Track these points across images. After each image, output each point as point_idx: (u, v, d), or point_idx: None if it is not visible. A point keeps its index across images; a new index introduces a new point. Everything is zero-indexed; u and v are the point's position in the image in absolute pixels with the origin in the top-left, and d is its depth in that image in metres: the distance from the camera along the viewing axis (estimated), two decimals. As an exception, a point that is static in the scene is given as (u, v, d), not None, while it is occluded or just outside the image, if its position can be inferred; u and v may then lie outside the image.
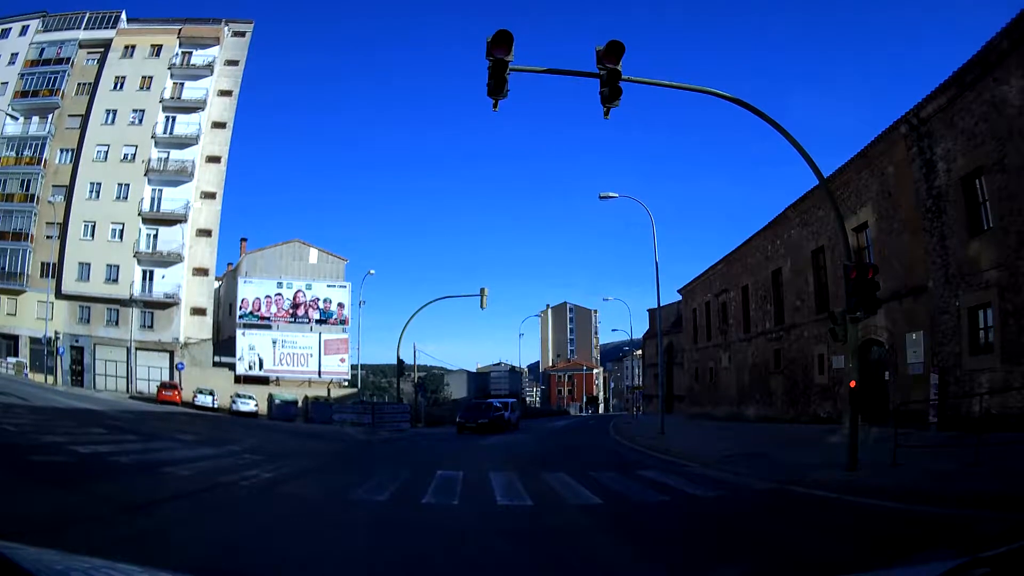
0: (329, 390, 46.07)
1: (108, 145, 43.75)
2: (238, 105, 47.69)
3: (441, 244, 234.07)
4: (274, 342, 47.20)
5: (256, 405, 38.49)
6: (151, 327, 43.27)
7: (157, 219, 43.83)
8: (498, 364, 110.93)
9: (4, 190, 42.46)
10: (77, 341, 41.70)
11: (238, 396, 38.62)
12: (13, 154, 43.21)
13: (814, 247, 23.44)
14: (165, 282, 43.42)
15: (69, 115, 43.99)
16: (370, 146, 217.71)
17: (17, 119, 43.66)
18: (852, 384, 10.21)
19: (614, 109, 9.79)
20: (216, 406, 38.07)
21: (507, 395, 56.38)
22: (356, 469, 12.66)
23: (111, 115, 44.25)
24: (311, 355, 47.85)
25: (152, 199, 43.98)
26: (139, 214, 43.44)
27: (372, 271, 78.94)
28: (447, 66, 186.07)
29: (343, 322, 49.57)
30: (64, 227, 42.04)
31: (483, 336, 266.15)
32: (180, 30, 46.86)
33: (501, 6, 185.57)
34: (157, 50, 45.92)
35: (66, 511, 6.33)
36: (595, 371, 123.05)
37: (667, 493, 9.08)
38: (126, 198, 43.44)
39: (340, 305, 49.62)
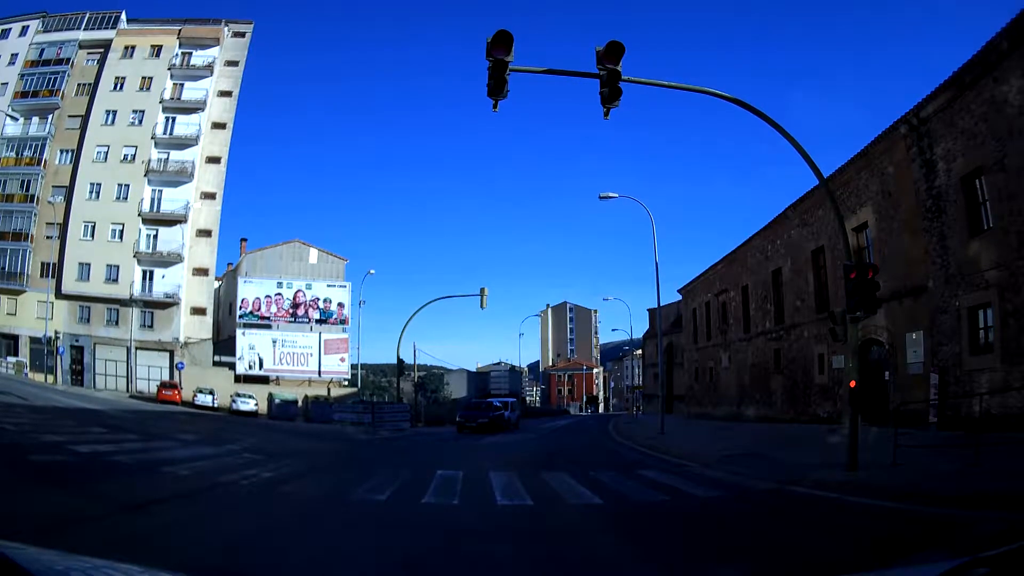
0: (329, 390, 46.09)
1: (108, 145, 43.75)
2: (238, 105, 47.81)
3: (441, 244, 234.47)
4: (274, 342, 47.22)
5: (256, 404, 38.52)
6: (151, 327, 43.29)
7: (157, 219, 43.84)
8: (498, 364, 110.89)
9: (4, 190, 42.46)
10: (77, 341, 41.71)
11: (238, 395, 38.64)
12: (13, 154, 43.22)
13: (814, 247, 23.44)
14: (165, 282, 43.43)
15: (69, 115, 43.99)
16: (370, 146, 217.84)
17: (17, 119, 43.65)
18: (852, 384, 10.20)
19: (614, 109, 9.79)
20: (216, 405, 38.09)
21: (507, 395, 56.34)
22: (356, 469, 12.66)
23: (111, 115, 44.25)
24: (311, 355, 47.86)
25: (152, 199, 43.99)
26: (139, 214, 43.45)
27: (372, 271, 79.05)
28: (447, 66, 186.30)
29: (343, 322, 49.59)
30: (64, 227, 42.05)
31: (483, 336, 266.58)
32: (180, 31, 46.86)
33: (501, 6, 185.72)
34: (157, 51, 45.92)
35: (66, 511, 6.32)
36: (595, 371, 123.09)
37: (667, 493, 9.08)
38: (126, 198, 43.45)
39: (340, 305, 49.64)
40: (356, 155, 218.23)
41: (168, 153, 44.70)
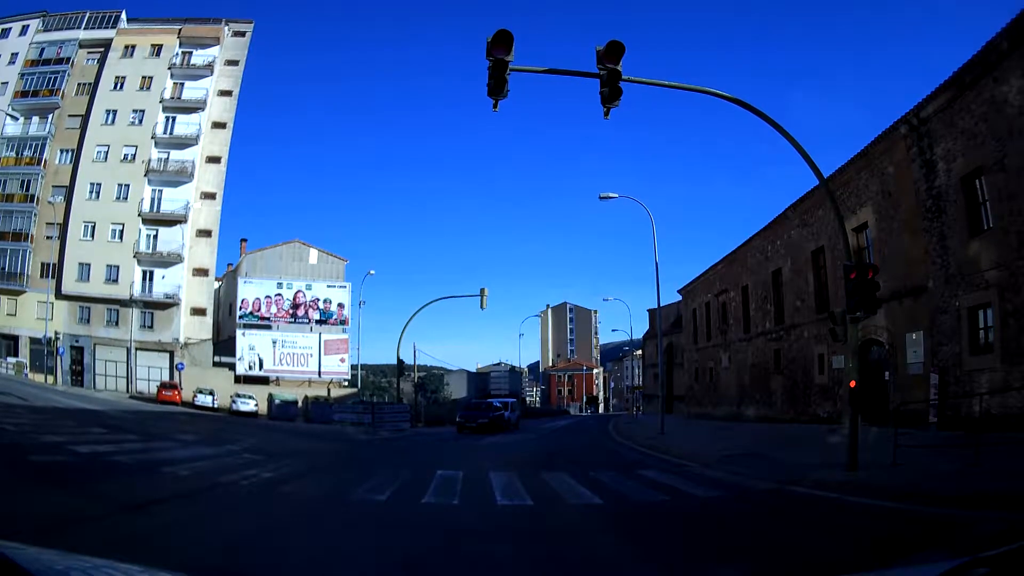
0: (329, 390, 46.08)
1: (108, 145, 43.75)
2: (238, 105, 47.83)
3: (441, 244, 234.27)
4: (274, 342, 47.22)
5: (256, 405, 38.52)
6: (151, 327, 43.28)
7: (157, 219, 43.84)
8: (498, 364, 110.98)
9: (4, 190, 42.47)
10: (77, 341, 41.71)
11: (238, 396, 38.64)
12: (13, 154, 43.22)
13: (814, 247, 23.44)
14: (165, 282, 43.43)
15: (69, 115, 43.99)
16: (370, 146, 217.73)
17: (17, 119, 43.66)
18: (852, 384, 10.21)
19: (614, 109, 9.79)
20: (216, 406, 38.09)
21: (507, 395, 56.36)
22: (356, 469, 12.66)
23: (111, 115, 44.25)
24: (311, 355, 47.86)
25: (152, 199, 43.99)
26: (139, 214, 43.45)
27: (372, 271, 78.94)
28: (447, 66, 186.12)
29: (343, 322, 49.59)
30: (64, 227, 42.05)
31: (483, 336, 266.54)
32: (180, 30, 46.87)
33: (501, 6, 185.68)
34: (157, 50, 45.92)
35: (66, 511, 6.32)
36: (595, 371, 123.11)
37: (667, 493, 9.08)
38: (126, 198, 43.45)
39: (340, 305, 49.64)
40: (356, 155, 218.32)
41: (168, 153, 44.71)
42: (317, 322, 48.69)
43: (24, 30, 44.98)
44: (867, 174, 19.27)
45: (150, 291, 43.21)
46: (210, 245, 45.86)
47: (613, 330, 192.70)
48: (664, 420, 23.37)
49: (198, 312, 45.42)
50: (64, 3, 59.56)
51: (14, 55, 44.22)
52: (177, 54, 46.28)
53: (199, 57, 46.70)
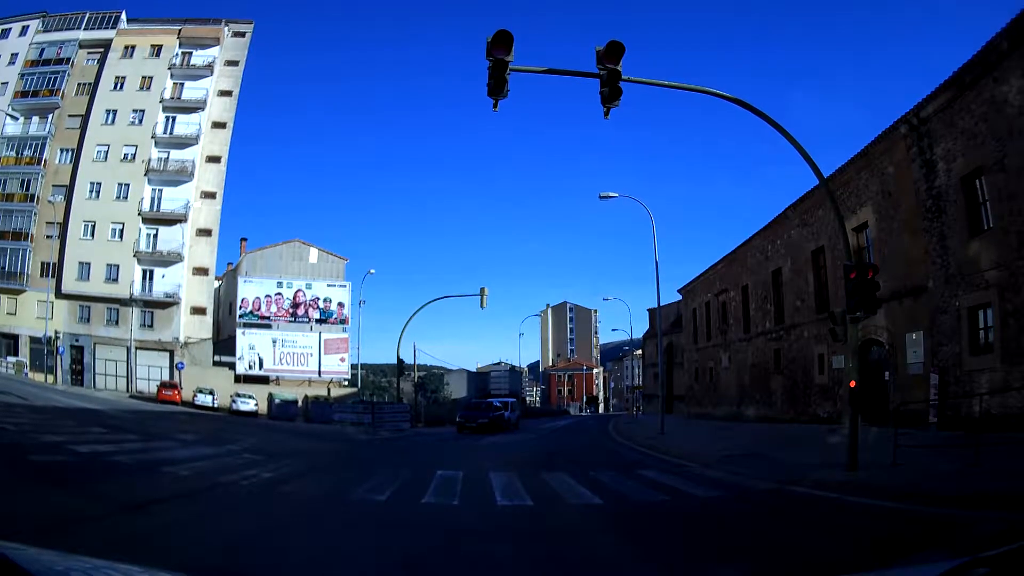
0: (329, 390, 46.09)
1: (108, 145, 43.75)
2: (238, 105, 47.78)
3: (441, 244, 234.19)
4: (274, 342, 47.22)
5: (256, 404, 38.52)
6: (151, 327, 43.28)
7: (157, 219, 43.83)
8: (498, 364, 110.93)
9: (4, 190, 42.46)
10: (77, 341, 41.71)
11: (238, 395, 38.64)
12: (13, 154, 43.21)
13: (814, 247, 23.45)
14: (165, 282, 43.43)
15: (69, 115, 43.98)
16: (370, 146, 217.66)
17: (17, 119, 43.66)
18: (852, 384, 10.21)
19: (614, 109, 9.79)
20: (216, 405, 38.09)
21: (507, 395, 56.35)
22: (356, 469, 12.66)
23: (111, 115, 44.25)
24: (311, 355, 47.86)
25: (152, 199, 43.99)
26: (139, 214, 43.44)
27: (372, 271, 79.05)
28: (447, 66, 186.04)
29: (343, 322, 49.59)
30: (64, 227, 42.04)
31: (483, 336, 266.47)
32: (180, 30, 46.86)
33: (501, 6, 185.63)
34: (157, 50, 45.91)
35: (66, 511, 6.33)
36: (595, 371, 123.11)
37: (667, 493, 9.09)
38: (126, 198, 43.45)
39: (340, 305, 49.64)
40: (356, 155, 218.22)
41: (168, 152, 44.70)
42: (317, 321, 48.69)
43: (24, 30, 44.97)
44: (867, 174, 19.27)
45: (150, 290, 43.20)
46: (210, 244, 45.86)
47: (613, 330, 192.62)
48: (664, 420, 23.37)
49: (198, 311, 45.42)
50: (64, 3, 59.70)
51: (14, 55, 44.21)
52: (177, 54, 46.27)
53: (199, 57, 46.69)
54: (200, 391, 38.12)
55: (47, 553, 1.89)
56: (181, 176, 44.39)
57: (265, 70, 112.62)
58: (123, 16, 46.48)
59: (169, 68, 45.72)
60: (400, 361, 39.48)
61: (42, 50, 44.76)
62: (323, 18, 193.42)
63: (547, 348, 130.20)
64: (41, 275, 40.81)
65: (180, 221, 44.11)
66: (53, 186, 42.68)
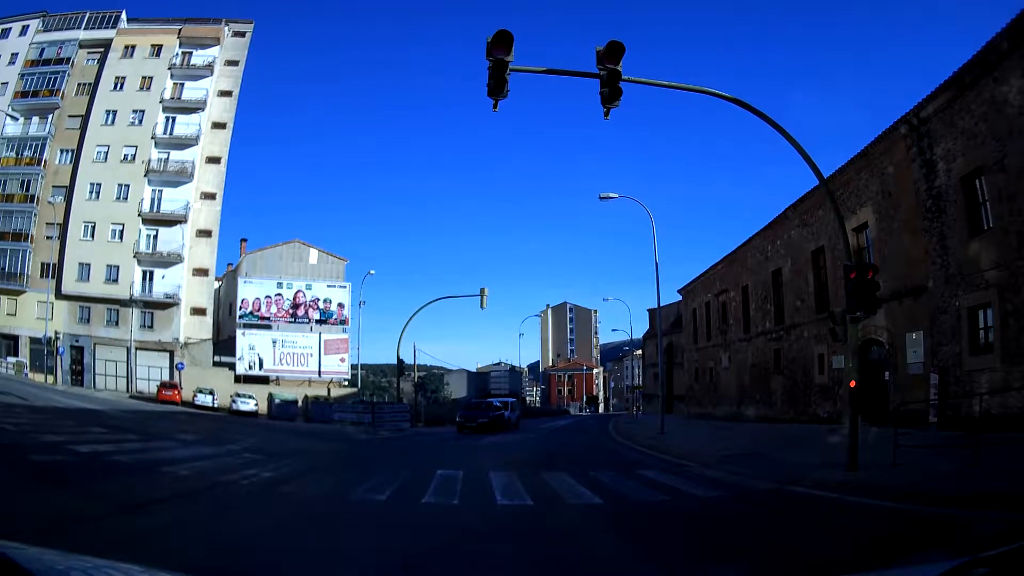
0: (329, 390, 46.10)
1: (108, 145, 43.76)
2: (238, 105, 47.83)
3: (441, 244, 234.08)
4: (274, 342, 47.23)
5: (256, 405, 38.53)
6: (151, 327, 43.29)
7: (157, 219, 43.84)
8: (498, 364, 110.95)
9: (4, 190, 42.46)
10: (77, 341, 41.71)
11: (238, 396, 38.65)
12: (13, 154, 43.22)
13: (814, 247, 23.45)
14: (165, 282, 43.44)
15: (69, 115, 44.00)
16: (370, 146, 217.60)
17: (17, 119, 43.66)
18: (852, 384, 10.21)
19: (614, 109, 9.79)
20: (216, 406, 38.10)
21: (507, 395, 56.33)
22: (356, 468, 12.66)
23: (111, 115, 44.26)
24: (311, 355, 47.87)
25: (152, 199, 44.00)
26: (139, 214, 43.45)
27: (372, 271, 78.99)
28: (447, 66, 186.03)
29: (343, 322, 49.60)
30: (64, 227, 42.05)
31: (483, 336, 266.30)
32: (180, 30, 46.87)
33: (501, 6, 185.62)
34: (157, 50, 45.93)
35: (66, 511, 6.32)
36: (595, 371, 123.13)
37: (667, 493, 9.08)
38: (126, 198, 43.46)
39: (340, 305, 49.66)
40: (356, 155, 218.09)
41: (168, 153, 44.71)
42: (317, 322, 48.70)
43: (24, 30, 44.98)
44: (867, 174, 19.27)
45: (150, 291, 43.21)
46: (210, 245, 45.87)
47: (613, 330, 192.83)
48: (664, 420, 23.37)
49: (198, 312, 45.42)
50: (64, 3, 59.67)
51: (14, 55, 44.23)
52: (177, 54, 46.28)
53: (199, 57, 46.70)
54: (200, 391, 38.13)
55: (47, 553, 1.89)
56: (181, 177, 44.39)
57: (265, 70, 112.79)
58: (123, 16, 46.50)
59: (169, 68, 45.73)
60: (400, 361, 39.49)
61: (42, 50, 44.77)
62: (323, 18, 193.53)
63: (547, 348, 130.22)
64: (41, 276, 40.82)
65: (180, 222, 44.12)
66: (53, 187, 42.69)
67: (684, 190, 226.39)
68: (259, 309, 47.72)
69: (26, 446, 11.21)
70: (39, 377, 37.83)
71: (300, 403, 40.84)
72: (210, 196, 45.85)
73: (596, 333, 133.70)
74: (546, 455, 16.50)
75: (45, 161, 42.94)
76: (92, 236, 42.80)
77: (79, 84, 44.67)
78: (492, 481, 10.08)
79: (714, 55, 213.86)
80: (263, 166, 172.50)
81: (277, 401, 39.84)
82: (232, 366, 45.92)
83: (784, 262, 26.19)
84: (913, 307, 16.97)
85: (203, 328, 45.91)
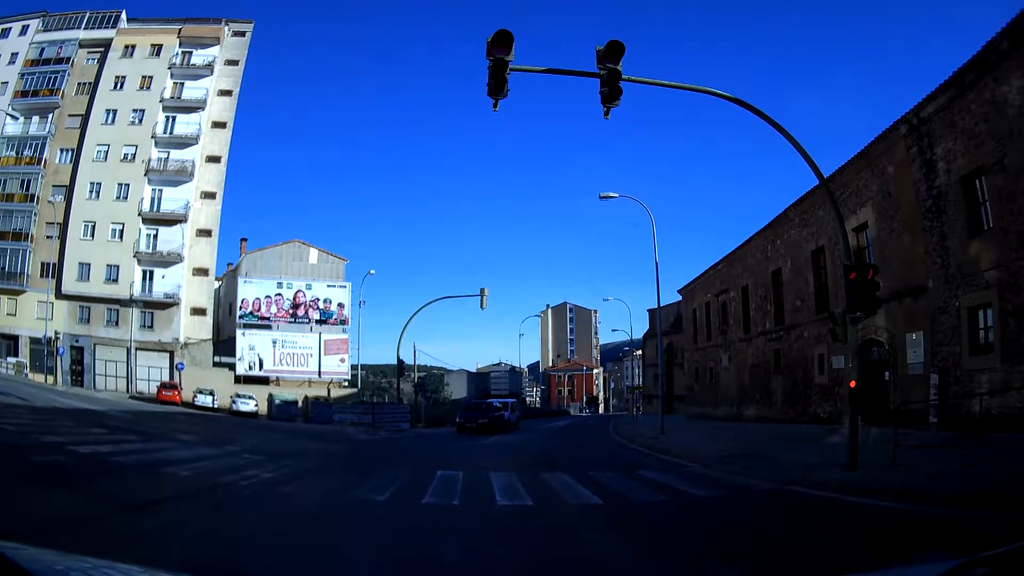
0: (329, 390, 46.09)
1: (108, 145, 43.75)
2: (238, 105, 47.79)
3: (441, 244, 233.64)
4: (274, 342, 47.22)
5: (256, 405, 38.50)
6: (151, 327, 43.28)
7: (157, 219, 43.83)
8: (498, 364, 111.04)
9: (4, 190, 42.44)
10: (77, 341, 41.70)
11: (238, 396, 38.62)
12: (13, 154, 43.20)
13: (814, 247, 23.45)
14: (165, 282, 43.43)
15: (69, 115, 43.98)
16: (370, 146, 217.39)
17: (17, 119, 43.66)
18: (852, 384, 10.21)
19: (614, 109, 9.80)
20: (216, 406, 38.08)
21: (507, 395, 56.38)
22: (356, 469, 12.67)
23: (111, 115, 44.25)
24: (311, 355, 47.86)
25: (152, 199, 43.99)
26: (139, 214, 43.44)
27: (372, 271, 79.06)
28: (447, 66, 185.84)
29: (343, 322, 49.60)
30: (64, 227, 42.04)
31: (483, 336, 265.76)
32: (180, 30, 46.88)
33: (501, 6, 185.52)
34: (157, 50, 45.93)
35: (66, 511, 6.33)
36: (595, 371, 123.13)
37: (667, 493, 9.09)
38: (126, 198, 43.45)
39: (340, 305, 49.65)
40: (356, 155, 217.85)
41: (168, 152, 44.70)
42: (317, 322, 48.70)
43: (24, 30, 44.97)
44: (867, 174, 19.27)
45: (150, 291, 43.20)
46: (210, 245, 45.86)
47: (613, 330, 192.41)
48: (664, 420, 23.37)
49: (198, 312, 45.42)
50: (64, 3, 59.53)
51: (14, 55, 44.21)
52: (177, 54, 46.28)
53: (199, 57, 46.70)
54: (200, 392, 38.10)
55: (47, 553, 1.89)
56: (181, 176, 44.39)
57: (265, 70, 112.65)
58: (123, 15, 46.49)
59: (169, 68, 45.73)
60: (400, 362, 39.49)
61: (42, 50, 44.77)
62: (323, 17, 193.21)
63: (547, 348, 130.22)
64: (41, 275, 40.80)
65: (180, 221, 44.11)
66: (53, 186, 42.68)
67: (684, 190, 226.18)
68: (259, 309, 47.72)
69: (26, 447, 11.21)
70: (39, 377, 37.81)
71: (300, 404, 40.83)
72: (210, 196, 45.84)
73: (596, 333, 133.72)
74: (546, 455, 16.50)
75: (45, 161, 42.93)
76: (92, 236, 42.79)
77: (79, 84, 44.66)
78: (492, 481, 10.08)
79: (714, 55, 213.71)
80: (263, 166, 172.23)
81: (277, 402, 39.83)
82: (232, 366, 45.91)
83: (784, 262, 26.20)
84: (913, 307, 16.97)
85: (203, 328, 45.91)
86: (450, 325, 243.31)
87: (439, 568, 5.14)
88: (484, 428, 27.98)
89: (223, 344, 47.87)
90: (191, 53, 46.67)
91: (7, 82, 43.58)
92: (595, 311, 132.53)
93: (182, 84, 45.99)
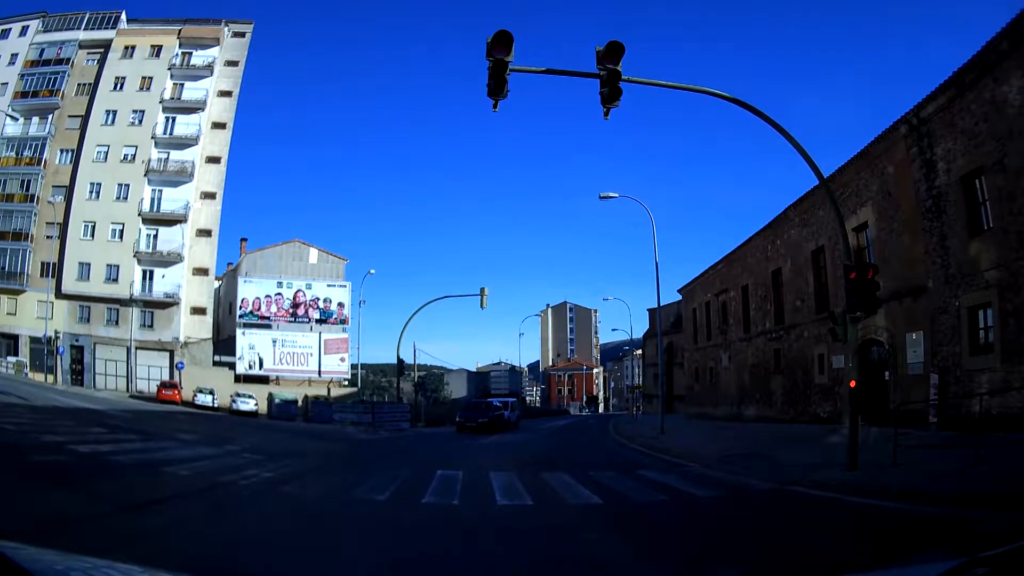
0: (329, 389, 46.11)
1: (108, 145, 43.75)
2: (238, 105, 47.77)
3: (441, 244, 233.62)
4: (274, 342, 47.23)
5: (256, 404, 38.52)
6: (151, 327, 43.29)
7: (157, 219, 43.84)
8: (498, 364, 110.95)
9: (4, 190, 42.43)
10: (77, 341, 41.71)
11: (238, 395, 38.64)
12: (13, 154, 43.20)
13: (814, 247, 23.45)
14: (165, 282, 43.43)
15: (69, 115, 43.98)
16: (370, 146, 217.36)
17: (17, 119, 43.65)
18: (852, 384, 10.21)
19: (614, 109, 9.80)
20: (216, 405, 38.09)
21: (507, 395, 56.36)
22: (356, 469, 12.67)
23: (111, 115, 44.25)
24: (311, 355, 47.87)
25: (152, 199, 43.99)
26: (139, 214, 43.44)
27: (372, 271, 79.11)
28: (447, 66, 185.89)
29: (343, 322, 49.60)
30: (64, 227, 42.04)
31: (483, 336, 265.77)
32: (180, 31, 46.87)
33: (501, 6, 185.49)
34: (157, 50, 45.92)
35: (66, 511, 6.33)
36: (595, 371, 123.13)
37: (667, 493, 9.09)
38: (126, 198, 43.45)
39: (340, 305, 49.65)
40: (356, 155, 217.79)
41: (168, 153, 44.70)
42: (317, 321, 48.70)
43: (24, 30, 44.96)
44: (867, 174, 19.27)
45: (150, 290, 43.21)
46: (210, 245, 45.86)
47: (613, 330, 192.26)
48: (664, 420, 23.38)
49: (198, 311, 45.42)
50: (64, 3, 59.68)
51: (14, 55, 44.21)
52: (177, 54, 46.27)
53: (199, 57, 46.69)
54: (200, 391, 38.11)
55: (47, 552, 1.89)
56: (181, 176, 44.39)
57: (265, 70, 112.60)
58: (123, 16, 46.48)
59: (169, 68, 45.72)
60: (400, 361, 39.50)
61: (42, 50, 44.76)
62: (323, 18, 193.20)
63: (547, 348, 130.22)
64: (41, 275, 40.80)
65: (180, 221, 44.11)
66: (53, 186, 42.67)
67: (684, 190, 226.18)
68: (259, 309, 47.73)
69: (26, 446, 11.21)
70: (39, 377, 37.81)
71: (300, 403, 40.84)
72: (210, 196, 45.84)
73: (596, 333, 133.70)
74: (546, 455, 16.51)
75: (45, 161, 42.93)
76: (92, 236, 42.79)
77: (79, 84, 44.65)
78: (492, 481, 10.08)
79: (714, 55, 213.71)
80: (263, 166, 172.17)
81: (277, 401, 39.84)
82: (232, 366, 45.92)
83: (784, 262, 26.19)
84: (913, 307, 16.97)
85: (203, 328, 45.92)
86: (450, 325, 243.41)
87: (439, 568, 5.14)
88: (484, 427, 27.99)
89: (223, 343, 47.88)
90: (191, 54, 46.66)
91: (7, 83, 43.58)
92: (595, 311, 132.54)
93: (182, 85, 45.99)
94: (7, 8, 74.44)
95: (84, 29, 45.44)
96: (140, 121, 44.44)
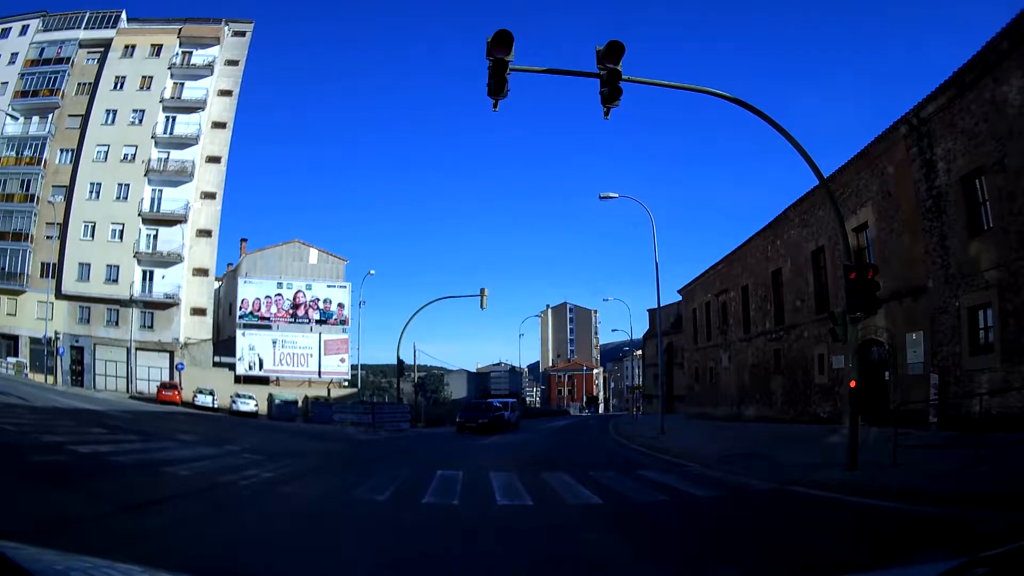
0: (329, 390, 46.09)
1: (108, 145, 43.75)
2: (238, 105, 47.79)
3: (441, 244, 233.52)
4: (274, 342, 47.23)
5: (256, 405, 38.51)
6: (151, 327, 43.29)
7: (157, 219, 43.83)
8: (498, 364, 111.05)
9: (4, 190, 42.44)
10: (77, 341, 41.71)
11: (238, 396, 38.63)
12: (13, 154, 43.20)
13: (814, 247, 23.45)
14: (165, 282, 43.43)
15: (69, 115, 43.98)
16: (370, 146, 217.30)
17: (17, 119, 43.66)
18: (852, 384, 10.21)
19: (614, 109, 9.80)
20: (216, 406, 38.08)
21: (507, 395, 56.39)
22: (356, 469, 12.67)
23: (111, 115, 44.25)
24: (311, 355, 47.87)
25: (152, 199, 43.99)
26: (139, 214, 43.44)
27: (372, 271, 78.93)
28: (447, 66, 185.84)
29: (343, 322, 49.60)
30: (64, 227, 42.04)
31: (483, 336, 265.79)
32: (180, 30, 46.88)
33: (501, 6, 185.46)
34: (157, 50, 45.93)
35: (66, 511, 6.33)
36: (595, 371, 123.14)
37: (667, 493, 9.09)
38: (126, 198, 43.45)
39: (340, 305, 49.66)
40: (356, 155, 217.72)
41: (168, 153, 44.71)
42: (317, 322, 48.70)
43: (24, 30, 44.97)
44: (867, 174, 19.27)
45: (150, 291, 43.20)
46: (210, 245, 45.85)
47: (613, 330, 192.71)
48: (664, 420, 23.38)
49: (198, 312, 45.42)
50: (64, 3, 59.53)
51: (14, 55, 44.20)
52: (177, 54, 46.28)
53: (199, 57, 46.70)
54: (200, 392, 38.10)
55: (47, 552, 1.89)
56: (181, 176, 44.39)
57: (265, 70, 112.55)
58: (123, 15, 46.49)
59: (169, 68, 45.72)
60: (400, 362, 39.49)
61: (42, 50, 44.76)
62: (323, 17, 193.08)
63: (547, 348, 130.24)
64: (41, 276, 40.80)
65: (180, 222, 44.11)
66: (53, 186, 42.67)
67: (684, 190, 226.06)
68: (259, 309, 47.73)
69: (26, 446, 11.21)
70: (39, 377, 37.81)
71: (300, 403, 40.83)
72: (210, 196, 45.84)
73: (596, 333, 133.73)
74: (546, 455, 16.51)
75: (45, 161, 42.93)
76: (92, 236, 42.78)
77: (79, 84, 44.65)
78: (492, 481, 10.08)
79: (714, 55, 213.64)
80: (263, 166, 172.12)
81: (277, 401, 39.84)
82: (232, 366, 45.91)
83: (784, 262, 26.19)
84: (913, 307, 16.97)
85: (203, 328, 45.91)
86: (450, 325, 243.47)
87: (439, 568, 5.14)
88: (484, 428, 27.99)
89: (223, 344, 47.87)
90: (191, 53, 46.67)
91: (7, 82, 43.58)
92: (595, 311, 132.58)
93: (182, 84, 46.00)
94: (7, 7, 74.43)
95: (84, 28, 45.44)
96: (140, 121, 44.44)
